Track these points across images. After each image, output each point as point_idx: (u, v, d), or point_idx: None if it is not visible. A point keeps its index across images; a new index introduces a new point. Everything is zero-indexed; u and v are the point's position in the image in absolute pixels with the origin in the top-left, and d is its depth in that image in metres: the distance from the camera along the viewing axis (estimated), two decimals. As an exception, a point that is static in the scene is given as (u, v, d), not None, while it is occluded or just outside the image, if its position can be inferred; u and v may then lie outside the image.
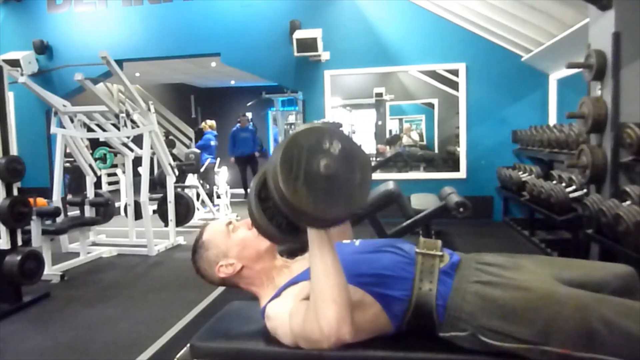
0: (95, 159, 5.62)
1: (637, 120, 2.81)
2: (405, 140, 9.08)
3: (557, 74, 5.35)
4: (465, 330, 1.20)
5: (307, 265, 1.31)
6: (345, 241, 1.51)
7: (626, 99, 2.96)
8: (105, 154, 5.99)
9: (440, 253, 1.30)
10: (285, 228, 1.19)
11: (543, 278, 1.24)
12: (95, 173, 5.22)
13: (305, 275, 1.30)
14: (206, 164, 7.30)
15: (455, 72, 6.05)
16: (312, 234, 1.17)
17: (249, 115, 11.29)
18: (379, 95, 9.03)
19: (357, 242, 1.46)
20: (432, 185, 5.32)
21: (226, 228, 1.41)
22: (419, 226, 3.29)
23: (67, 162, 6.12)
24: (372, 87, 8.96)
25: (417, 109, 9.22)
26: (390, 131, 9.60)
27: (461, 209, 2.80)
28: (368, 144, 10.09)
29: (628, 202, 2.61)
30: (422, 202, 3.99)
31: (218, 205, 6.84)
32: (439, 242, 1.33)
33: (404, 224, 3.00)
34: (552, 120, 5.50)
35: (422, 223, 3.25)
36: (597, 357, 1.09)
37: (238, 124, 8.87)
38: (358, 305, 1.24)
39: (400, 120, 9.52)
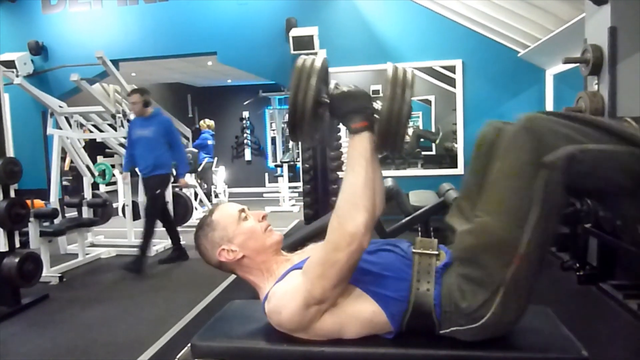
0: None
1: (634, 114, 2.81)
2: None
3: (554, 69, 5.35)
4: (462, 325, 1.21)
5: (306, 256, 1.32)
6: None
7: (623, 93, 2.97)
8: (104, 170, 5.95)
9: (436, 252, 1.30)
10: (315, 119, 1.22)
11: None
12: (92, 174, 5.21)
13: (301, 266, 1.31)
14: (204, 163, 7.29)
15: (452, 69, 6.04)
16: (362, 140, 1.19)
17: (246, 114, 11.30)
18: (376, 92, 9.02)
19: None
20: (431, 181, 5.32)
21: (238, 214, 1.39)
22: (417, 223, 3.29)
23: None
24: (369, 85, 8.95)
25: (415, 106, 9.17)
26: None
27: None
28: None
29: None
30: (420, 199, 3.99)
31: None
32: (435, 241, 1.34)
33: (403, 221, 3.00)
34: (549, 115, 5.51)
35: (421, 220, 3.25)
36: (529, 235, 1.13)
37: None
38: (356, 303, 1.24)
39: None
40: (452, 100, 6.10)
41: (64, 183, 6.23)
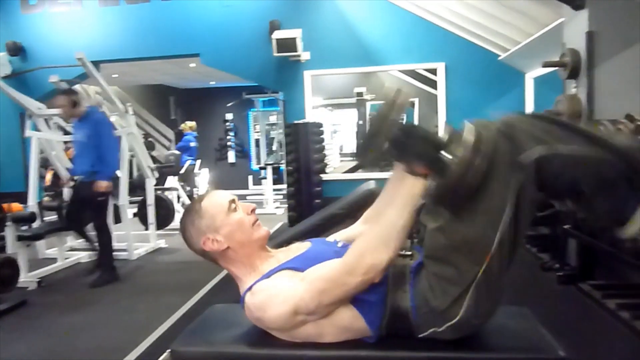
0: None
1: (611, 117, 2.86)
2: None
3: (534, 72, 5.43)
4: (439, 325, 1.21)
5: (292, 255, 1.34)
6: (328, 239, 1.51)
7: (600, 96, 3.02)
8: None
9: (409, 252, 1.31)
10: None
11: None
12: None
13: (294, 264, 1.30)
14: (186, 165, 7.23)
15: (434, 72, 6.09)
16: (417, 185, 1.17)
17: (230, 115, 11.24)
18: (360, 94, 9.06)
19: (340, 243, 1.46)
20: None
21: (228, 204, 1.36)
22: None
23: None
24: (353, 87, 8.99)
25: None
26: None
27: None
28: (349, 143, 10.15)
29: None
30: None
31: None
32: (408, 242, 1.34)
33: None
34: (530, 118, 5.59)
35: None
36: (501, 234, 1.14)
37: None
38: (335, 310, 1.24)
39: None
40: (435, 103, 6.15)
41: (45, 198, 6.10)
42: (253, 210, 1.40)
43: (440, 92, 5.97)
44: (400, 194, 1.20)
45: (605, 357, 2.35)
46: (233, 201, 1.38)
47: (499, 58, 5.56)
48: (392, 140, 1.16)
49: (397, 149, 1.17)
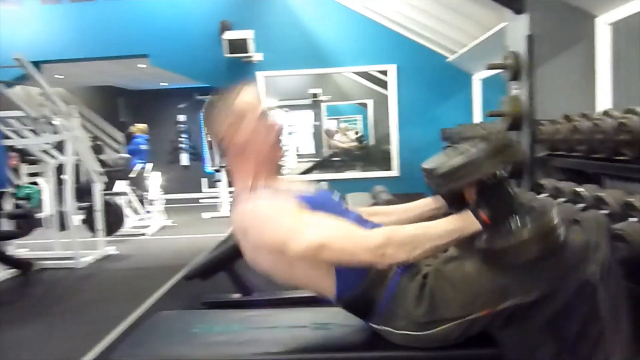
0: (19, 198, 5.22)
1: (551, 117, 2.99)
2: (341, 138, 9.24)
3: (480, 74, 5.61)
4: (399, 329, 1.22)
5: (302, 189, 1.34)
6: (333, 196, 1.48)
7: (540, 97, 3.15)
8: (29, 194, 5.54)
9: None
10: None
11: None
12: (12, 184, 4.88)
13: (305, 199, 1.25)
14: (137, 169, 7.02)
15: (386, 73, 6.19)
16: (471, 226, 1.16)
17: (182, 117, 11.01)
18: (315, 95, 9.09)
19: (347, 205, 1.47)
20: (369, 183, 5.37)
21: (261, 109, 1.35)
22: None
23: None
24: (309, 88, 9.01)
25: (354, 109, 9.39)
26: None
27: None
28: (306, 144, 10.15)
29: (544, 195, 2.77)
30: (357, 202, 4.04)
31: (151, 212, 6.61)
32: None
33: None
34: (477, 118, 5.76)
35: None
36: (511, 303, 1.16)
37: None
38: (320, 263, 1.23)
39: (338, 120, 9.66)
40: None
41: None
42: (279, 132, 1.38)
43: (392, 94, 6.07)
44: (453, 223, 1.19)
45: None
46: (267, 110, 1.37)
47: (447, 60, 5.71)
48: (483, 189, 1.16)
49: (483, 198, 1.16)
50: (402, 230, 1.19)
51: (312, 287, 1.29)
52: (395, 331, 1.23)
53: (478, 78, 5.72)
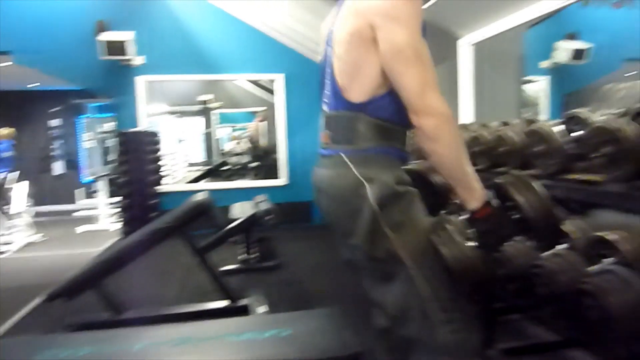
0: None
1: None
2: (235, 146, 9.15)
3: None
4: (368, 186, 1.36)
5: None
6: None
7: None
8: None
9: None
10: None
11: None
12: None
13: None
14: (-1, 178, 6.29)
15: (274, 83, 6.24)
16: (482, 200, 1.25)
17: (56, 122, 10.09)
18: (204, 102, 8.88)
19: None
20: (256, 192, 5.35)
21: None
22: (233, 236, 3.28)
23: None
24: (196, 95, 8.77)
25: (249, 118, 9.33)
26: (218, 140, 9.55)
27: (267, 217, 2.86)
28: (196, 152, 9.85)
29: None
30: (242, 211, 3.99)
31: (15, 225, 5.96)
32: None
33: (215, 236, 2.96)
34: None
35: (236, 233, 3.24)
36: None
37: None
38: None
39: (232, 128, 9.56)
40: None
41: None
42: None
43: (280, 103, 6.13)
44: (480, 186, 1.27)
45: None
46: None
47: (333, 72, 5.90)
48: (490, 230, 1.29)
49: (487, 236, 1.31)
50: (460, 134, 1.30)
51: (360, 80, 1.30)
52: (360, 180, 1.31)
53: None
